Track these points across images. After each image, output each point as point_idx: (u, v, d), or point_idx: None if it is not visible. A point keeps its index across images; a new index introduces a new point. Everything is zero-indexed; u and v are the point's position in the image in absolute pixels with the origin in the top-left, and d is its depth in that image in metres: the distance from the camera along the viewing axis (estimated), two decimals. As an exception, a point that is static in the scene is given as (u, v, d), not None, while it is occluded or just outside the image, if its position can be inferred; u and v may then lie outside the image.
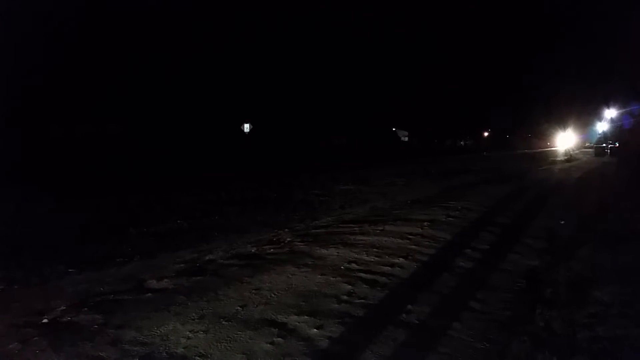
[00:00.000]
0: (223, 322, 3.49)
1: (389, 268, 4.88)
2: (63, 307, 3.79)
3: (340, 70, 50.18)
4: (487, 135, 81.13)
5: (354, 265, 4.94)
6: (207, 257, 5.37)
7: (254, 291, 4.14)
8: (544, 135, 72.40)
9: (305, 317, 3.59)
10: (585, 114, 54.89)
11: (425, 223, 7.22)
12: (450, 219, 7.75)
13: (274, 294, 4.07)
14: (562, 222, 7.90)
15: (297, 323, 3.49)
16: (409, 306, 3.88)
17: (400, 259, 5.22)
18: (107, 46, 29.43)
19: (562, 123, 53.19)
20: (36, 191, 11.61)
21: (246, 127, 37.33)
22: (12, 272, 4.86)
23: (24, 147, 19.53)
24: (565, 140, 49.62)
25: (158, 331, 3.34)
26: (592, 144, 56.76)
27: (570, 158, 31.38)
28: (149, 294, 4.11)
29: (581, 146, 60.19)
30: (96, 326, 3.42)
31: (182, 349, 3.09)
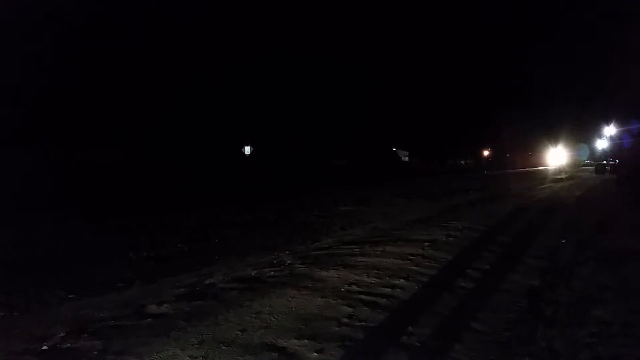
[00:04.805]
0: (223, 347, 3.47)
1: (390, 290, 4.87)
2: (63, 334, 3.78)
3: (340, 91, 50.71)
4: (488, 154, 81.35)
5: (354, 287, 4.93)
6: (207, 281, 5.36)
7: (253, 315, 4.13)
8: (543, 153, 72.69)
9: (306, 340, 3.57)
10: (584, 132, 55.38)
11: (426, 243, 7.22)
12: (450, 239, 7.75)
13: (274, 318, 4.05)
14: (563, 241, 7.89)
15: (297, 347, 3.47)
16: (410, 328, 3.86)
17: (401, 280, 5.21)
18: (109, 68, 29.87)
19: (560, 141, 53.59)
20: (36, 216, 11.65)
21: (247, 150, 37.66)
22: (12, 298, 4.86)
23: (23, 170, 19.63)
24: (564, 158, 49.95)
25: (157, 357, 3.32)
26: (592, 162, 57.17)
27: (570, 176, 31.41)
28: (149, 319, 4.10)
29: (580, 163, 60.45)
30: (96, 352, 3.41)
31: (182, 375, 3.08)
